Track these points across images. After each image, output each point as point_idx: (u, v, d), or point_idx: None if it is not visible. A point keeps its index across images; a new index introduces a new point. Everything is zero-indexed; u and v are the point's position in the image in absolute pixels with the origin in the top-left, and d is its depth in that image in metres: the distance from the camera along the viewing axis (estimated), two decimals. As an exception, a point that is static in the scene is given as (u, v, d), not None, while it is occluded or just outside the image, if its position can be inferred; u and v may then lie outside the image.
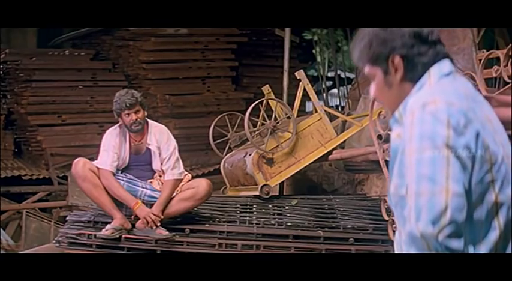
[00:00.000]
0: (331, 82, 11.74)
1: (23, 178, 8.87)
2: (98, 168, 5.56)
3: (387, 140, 5.69)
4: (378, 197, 6.71)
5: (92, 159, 5.81)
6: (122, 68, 9.82)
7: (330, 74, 12.40)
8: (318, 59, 12.25)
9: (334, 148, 6.63)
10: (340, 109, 9.18)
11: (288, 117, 6.42)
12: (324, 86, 9.65)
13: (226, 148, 6.99)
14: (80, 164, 5.57)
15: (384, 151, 5.81)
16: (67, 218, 5.89)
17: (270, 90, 7.01)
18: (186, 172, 5.85)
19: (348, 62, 10.04)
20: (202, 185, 5.67)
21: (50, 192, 8.88)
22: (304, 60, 11.22)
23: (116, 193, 5.51)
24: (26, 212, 7.74)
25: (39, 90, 9.34)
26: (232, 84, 9.91)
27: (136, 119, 5.56)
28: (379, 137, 5.77)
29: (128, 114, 5.54)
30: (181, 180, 5.72)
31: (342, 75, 9.72)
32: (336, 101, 10.03)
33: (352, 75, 9.90)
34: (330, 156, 6.67)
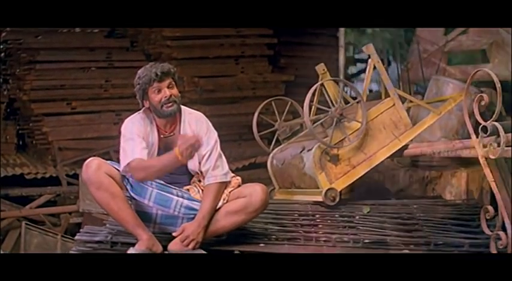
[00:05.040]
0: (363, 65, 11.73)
1: (26, 177, 8.23)
2: (120, 172, 4.31)
3: (493, 132, 4.61)
4: (461, 202, 5.75)
5: (107, 154, 4.55)
6: (141, 46, 9.36)
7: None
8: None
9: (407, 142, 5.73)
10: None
11: (352, 104, 5.45)
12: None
13: (273, 140, 6.16)
14: (93, 166, 4.24)
15: (484, 146, 4.68)
16: (76, 237, 4.67)
17: (326, 69, 6.07)
18: (233, 174, 4.54)
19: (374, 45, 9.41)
20: (256, 192, 4.37)
21: (57, 194, 8.17)
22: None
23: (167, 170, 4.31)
24: (26, 224, 6.77)
25: (45, 72, 8.80)
26: (269, 65, 9.39)
27: (171, 96, 4.32)
28: (484, 129, 4.61)
29: (159, 90, 4.32)
30: (226, 183, 4.45)
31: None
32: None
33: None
34: (406, 151, 5.71)
